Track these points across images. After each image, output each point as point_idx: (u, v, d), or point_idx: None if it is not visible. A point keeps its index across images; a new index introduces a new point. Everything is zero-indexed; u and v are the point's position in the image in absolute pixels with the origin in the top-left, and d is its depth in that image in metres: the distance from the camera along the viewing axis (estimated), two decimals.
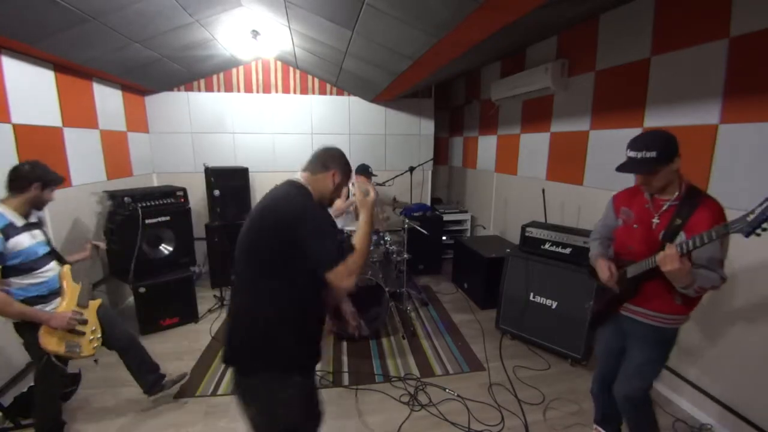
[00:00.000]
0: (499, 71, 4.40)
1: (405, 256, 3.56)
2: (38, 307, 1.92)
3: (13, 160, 2.53)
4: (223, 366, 2.84)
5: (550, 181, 3.65)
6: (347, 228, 3.39)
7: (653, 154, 1.48)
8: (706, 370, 2.29)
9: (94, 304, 2.16)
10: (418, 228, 3.63)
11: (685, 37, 2.29)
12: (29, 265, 1.89)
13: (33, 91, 2.75)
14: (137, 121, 4.31)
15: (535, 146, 3.87)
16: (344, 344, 3.13)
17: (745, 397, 2.08)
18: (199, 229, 4.24)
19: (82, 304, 2.06)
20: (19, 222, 1.89)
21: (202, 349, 3.09)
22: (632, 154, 1.54)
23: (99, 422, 2.29)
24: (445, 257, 5.09)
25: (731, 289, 2.12)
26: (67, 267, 2.08)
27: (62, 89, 3.03)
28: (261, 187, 4.83)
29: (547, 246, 3.05)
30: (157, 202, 3.58)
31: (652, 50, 2.51)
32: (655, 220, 1.62)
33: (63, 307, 1.98)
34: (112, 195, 3.30)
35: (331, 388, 2.62)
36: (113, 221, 3.20)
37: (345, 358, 2.95)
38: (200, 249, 4.39)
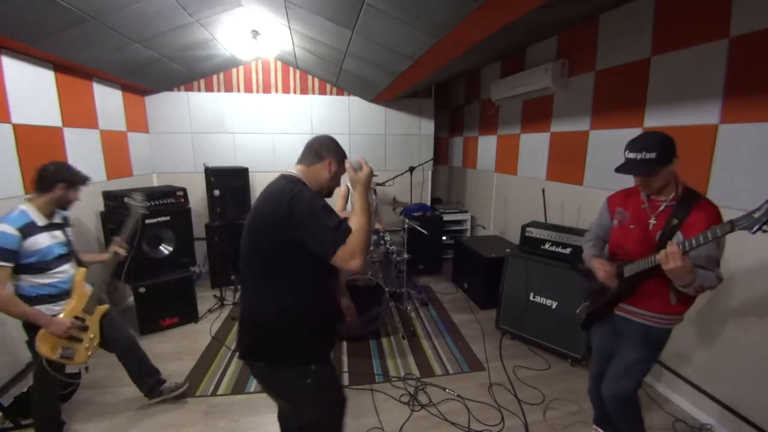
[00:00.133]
0: (499, 71, 4.40)
1: (405, 256, 3.56)
2: (46, 306, 1.93)
3: (13, 160, 2.54)
4: (223, 366, 2.85)
5: (550, 181, 3.65)
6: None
7: (653, 155, 1.49)
8: (706, 370, 2.29)
9: (101, 310, 2.14)
10: (418, 228, 3.63)
11: (685, 37, 2.29)
12: (43, 264, 1.90)
13: (33, 91, 2.75)
14: (137, 121, 4.31)
15: (535, 146, 3.87)
16: (344, 344, 3.13)
17: (745, 397, 2.08)
18: (199, 229, 4.24)
19: (88, 309, 2.05)
20: (41, 221, 1.90)
21: (202, 349, 3.09)
22: (631, 155, 1.54)
23: (99, 422, 2.29)
24: (445, 257, 5.09)
25: (731, 289, 2.12)
26: (82, 271, 2.08)
27: (62, 89, 3.03)
28: (261, 187, 4.70)
29: (547, 246, 3.05)
30: (157, 202, 3.58)
31: (652, 50, 2.51)
32: (652, 221, 1.63)
33: (68, 310, 1.98)
34: (112, 195, 3.30)
35: None
36: (113, 221, 3.20)
37: (345, 358, 2.95)
38: (200, 249, 4.39)
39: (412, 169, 4.72)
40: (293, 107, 4.87)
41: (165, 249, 3.53)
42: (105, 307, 2.17)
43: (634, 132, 2.61)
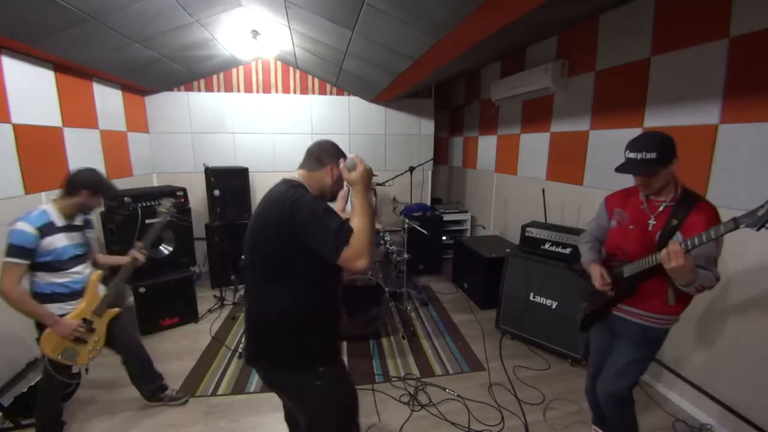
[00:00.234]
0: (499, 71, 4.40)
1: (405, 256, 3.56)
2: (58, 305, 1.94)
3: (13, 160, 2.54)
4: (223, 366, 2.85)
5: (550, 181, 3.65)
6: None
7: (653, 155, 1.48)
8: (706, 370, 2.28)
9: (110, 313, 2.13)
10: (418, 228, 3.63)
11: (685, 37, 2.29)
12: (58, 263, 1.92)
13: (33, 91, 2.75)
14: (137, 121, 4.31)
15: (535, 146, 3.87)
16: (344, 344, 3.14)
17: (745, 397, 2.08)
18: (199, 229, 4.24)
19: (98, 312, 2.06)
20: (60, 222, 1.93)
21: (202, 349, 3.09)
22: (632, 155, 1.54)
23: (99, 422, 2.29)
24: (445, 257, 5.09)
25: (731, 289, 2.13)
26: (96, 273, 2.09)
27: (62, 89, 3.04)
28: (261, 187, 4.83)
29: (547, 246, 3.05)
30: (157, 202, 3.57)
31: (652, 50, 2.51)
32: (652, 221, 1.63)
33: (78, 311, 1.99)
34: (113, 195, 3.29)
35: None
36: (113, 221, 3.20)
37: (345, 358, 2.95)
38: (200, 249, 4.40)
39: (412, 169, 4.72)
40: (293, 107, 4.87)
41: (165, 249, 3.53)
42: (116, 310, 2.16)
43: (634, 132, 2.61)
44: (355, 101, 5.03)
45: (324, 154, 1.42)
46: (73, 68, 3.13)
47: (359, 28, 2.62)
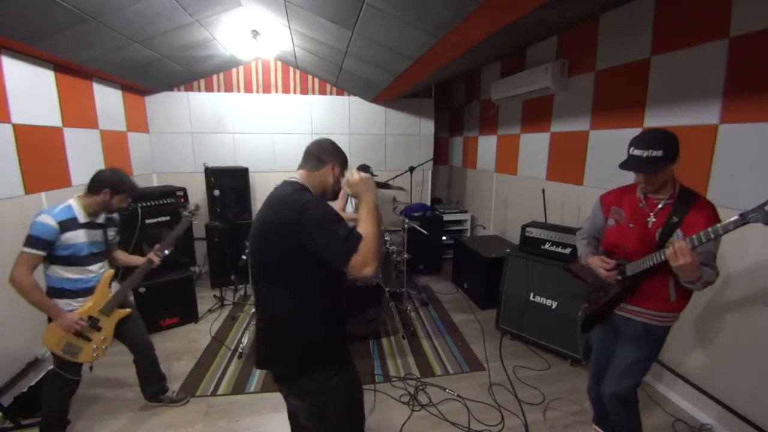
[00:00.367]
0: (499, 71, 4.40)
1: (405, 256, 3.56)
2: (66, 301, 1.96)
3: (13, 160, 2.53)
4: (223, 366, 2.85)
5: (550, 181, 3.65)
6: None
7: (659, 153, 1.48)
8: (706, 370, 2.28)
9: (120, 313, 2.13)
10: (418, 228, 3.63)
11: (685, 37, 2.29)
12: (75, 259, 1.94)
13: (33, 91, 2.75)
14: (137, 121, 4.31)
15: (535, 146, 3.87)
16: None
17: (745, 397, 2.08)
18: (199, 229, 4.24)
19: (105, 311, 2.06)
20: (83, 219, 1.96)
21: (202, 349, 3.09)
22: (637, 152, 1.52)
23: (99, 422, 2.29)
24: (445, 257, 5.09)
25: (731, 289, 2.13)
26: (108, 273, 2.10)
27: (62, 89, 3.03)
28: (261, 187, 4.83)
29: (547, 246, 3.05)
30: (157, 202, 3.58)
31: (652, 50, 2.51)
32: (651, 219, 1.63)
33: (85, 309, 1.99)
34: None
35: None
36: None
37: None
38: (200, 249, 4.40)
39: (412, 169, 4.72)
40: (293, 107, 4.87)
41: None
42: (126, 311, 2.16)
43: (634, 132, 2.59)
44: (355, 101, 5.03)
45: (323, 152, 1.41)
46: (73, 68, 3.13)
47: (359, 28, 2.62)
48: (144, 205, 3.39)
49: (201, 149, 4.71)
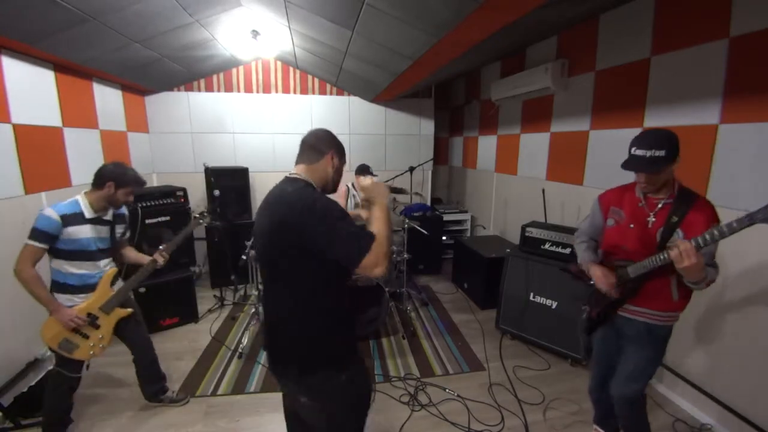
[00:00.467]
0: (499, 71, 4.40)
1: (405, 256, 3.56)
2: (68, 296, 1.97)
3: (13, 160, 2.54)
4: (223, 366, 2.85)
5: (550, 181, 3.65)
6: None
7: (662, 152, 1.47)
8: (706, 369, 2.29)
9: (120, 312, 2.12)
10: (418, 228, 3.63)
11: (685, 37, 2.29)
12: (80, 254, 1.95)
13: (33, 91, 2.75)
14: (137, 121, 4.31)
15: (535, 146, 3.87)
16: None
17: (745, 397, 2.08)
18: (199, 229, 4.23)
19: (105, 309, 2.05)
20: (89, 214, 1.97)
21: (202, 349, 3.09)
22: (639, 152, 1.51)
23: (99, 422, 2.29)
24: (445, 257, 5.09)
25: (731, 289, 2.13)
26: (111, 271, 2.10)
27: (62, 89, 3.03)
28: (261, 187, 4.83)
29: (547, 246, 3.05)
30: (157, 202, 3.58)
31: (652, 50, 2.51)
32: (651, 219, 1.62)
33: (84, 305, 1.99)
34: None
35: None
36: None
37: None
38: (200, 249, 4.40)
39: (412, 169, 4.71)
40: (293, 107, 4.87)
41: (164, 245, 3.53)
42: (127, 311, 2.16)
43: (634, 132, 2.59)
44: (355, 101, 5.03)
45: (321, 142, 1.38)
46: (73, 68, 3.13)
47: (359, 28, 2.62)
48: (144, 205, 3.39)
49: (201, 149, 4.71)
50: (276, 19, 3.21)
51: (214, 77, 4.64)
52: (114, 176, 1.98)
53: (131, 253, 2.28)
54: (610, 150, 2.91)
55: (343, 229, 1.18)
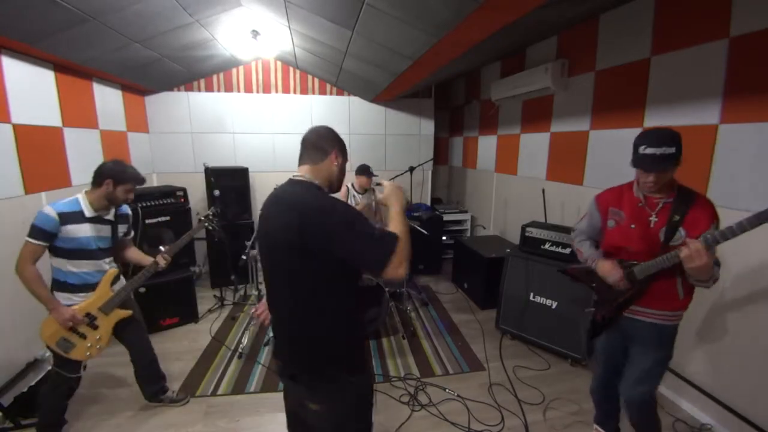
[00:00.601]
0: (499, 71, 4.40)
1: None
2: (66, 295, 1.96)
3: (13, 160, 2.54)
4: (223, 366, 2.85)
5: (550, 181, 3.65)
6: None
7: (672, 150, 1.47)
8: (706, 369, 2.29)
9: (119, 314, 2.11)
10: (418, 228, 3.63)
11: (685, 37, 2.29)
12: (80, 253, 1.95)
13: (33, 91, 2.75)
14: (137, 121, 4.31)
15: (535, 146, 3.87)
16: None
17: (745, 397, 2.08)
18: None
19: (104, 309, 2.05)
20: (90, 213, 1.96)
21: (202, 349, 3.09)
22: (650, 151, 1.49)
23: (99, 422, 2.29)
24: (445, 257, 5.09)
25: (732, 289, 2.12)
26: (112, 271, 2.09)
27: (62, 89, 3.03)
28: (261, 187, 4.83)
29: (547, 246, 3.05)
30: (157, 202, 3.58)
31: (652, 50, 2.51)
32: (653, 218, 1.62)
33: (83, 305, 1.99)
34: None
35: None
36: None
37: None
38: (200, 249, 4.41)
39: (412, 169, 4.71)
40: (293, 107, 4.87)
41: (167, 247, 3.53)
42: (127, 312, 2.14)
43: (634, 132, 2.59)
44: (355, 101, 5.03)
45: (324, 141, 1.34)
46: (73, 68, 3.13)
47: (359, 28, 2.62)
48: (144, 205, 3.39)
49: (201, 149, 4.71)
50: (276, 19, 3.21)
51: (214, 77, 4.65)
52: (112, 173, 1.97)
53: (134, 254, 2.28)
54: (610, 150, 2.91)
55: (367, 232, 1.16)
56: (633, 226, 1.67)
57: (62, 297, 1.95)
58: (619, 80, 2.79)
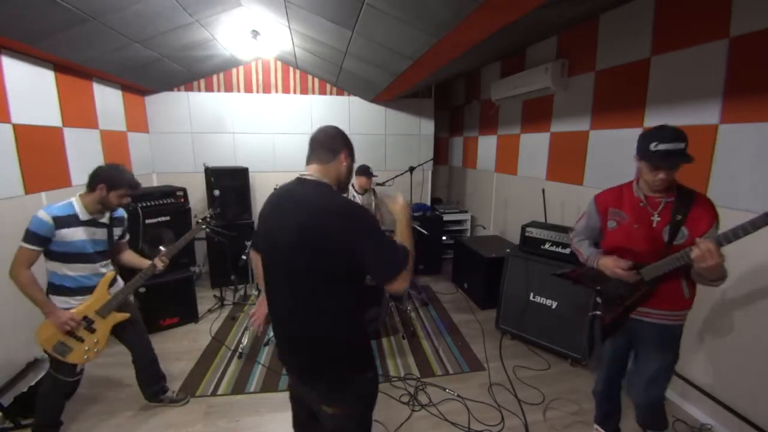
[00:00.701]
0: (499, 71, 4.40)
1: None
2: (63, 298, 1.95)
3: (13, 160, 2.54)
4: (223, 366, 2.85)
5: (550, 181, 3.65)
6: None
7: (683, 145, 1.47)
8: (706, 369, 2.29)
9: (117, 317, 2.10)
10: (418, 228, 3.63)
11: (685, 37, 2.29)
12: (75, 257, 1.94)
13: (33, 91, 2.75)
14: (137, 121, 4.31)
15: (535, 146, 3.87)
16: None
17: (745, 397, 2.08)
18: None
19: (101, 312, 2.04)
20: (84, 216, 1.96)
21: (202, 349, 3.09)
22: (663, 146, 1.47)
23: (99, 422, 2.29)
24: (445, 257, 5.09)
25: (732, 289, 2.12)
26: (109, 274, 2.08)
27: (62, 89, 3.03)
28: (261, 187, 4.83)
29: (547, 246, 3.05)
30: (157, 202, 3.58)
31: (652, 50, 2.51)
32: (655, 218, 1.62)
33: (80, 308, 1.98)
34: None
35: None
36: None
37: None
38: (200, 249, 4.40)
39: (412, 169, 4.71)
40: (293, 107, 4.87)
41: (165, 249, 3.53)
42: (125, 315, 2.13)
43: (634, 132, 2.61)
44: (355, 101, 5.03)
45: (333, 141, 1.33)
46: (73, 68, 3.13)
47: (359, 28, 2.62)
48: (144, 205, 3.39)
49: (201, 149, 4.71)
50: (276, 19, 3.21)
51: (214, 77, 4.65)
52: (106, 179, 1.96)
53: (130, 257, 2.27)
54: (610, 150, 2.91)
55: (387, 243, 1.18)
56: (635, 226, 1.66)
57: (59, 300, 1.94)
58: (619, 80, 2.79)
